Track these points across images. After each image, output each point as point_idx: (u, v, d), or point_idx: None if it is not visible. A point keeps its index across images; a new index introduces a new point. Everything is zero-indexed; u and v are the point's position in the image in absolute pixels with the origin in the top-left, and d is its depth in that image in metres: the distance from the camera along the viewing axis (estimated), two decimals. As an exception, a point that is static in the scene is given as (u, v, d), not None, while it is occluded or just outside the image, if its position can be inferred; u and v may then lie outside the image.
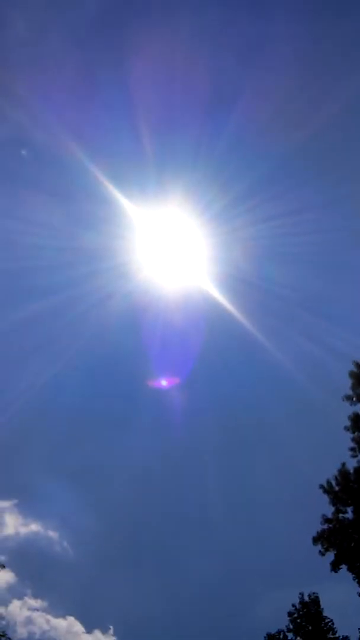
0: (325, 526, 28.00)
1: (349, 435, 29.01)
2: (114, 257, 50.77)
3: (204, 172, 48.72)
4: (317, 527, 28.19)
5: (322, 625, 27.15)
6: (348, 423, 29.03)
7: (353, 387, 29.36)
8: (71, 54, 48.18)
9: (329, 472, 28.87)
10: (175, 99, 48.60)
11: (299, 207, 52.16)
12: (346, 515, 28.09)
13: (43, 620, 43.08)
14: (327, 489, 28.47)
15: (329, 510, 28.46)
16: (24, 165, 50.43)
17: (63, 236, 49.95)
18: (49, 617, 43.27)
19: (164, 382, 51.22)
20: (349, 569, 26.94)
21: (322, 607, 27.71)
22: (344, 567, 27.07)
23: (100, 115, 48.64)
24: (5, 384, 51.91)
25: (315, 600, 28.05)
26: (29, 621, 42.74)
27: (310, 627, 27.18)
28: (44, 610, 43.86)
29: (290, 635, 27.32)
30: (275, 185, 51.68)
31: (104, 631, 43.03)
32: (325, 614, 27.46)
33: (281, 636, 27.30)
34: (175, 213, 48.39)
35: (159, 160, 47.67)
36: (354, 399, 29.37)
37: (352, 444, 28.88)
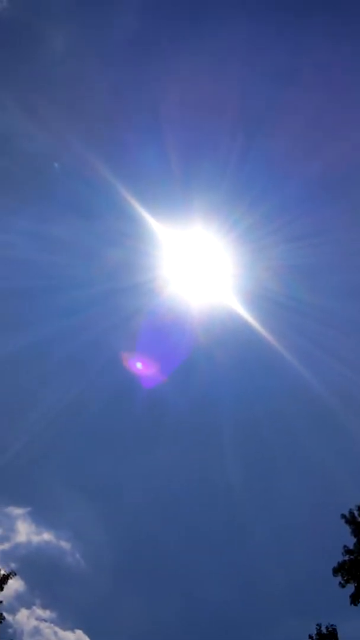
0: (347, 557, 27.55)
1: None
2: (140, 274, 51.11)
3: (230, 192, 49.05)
4: (339, 556, 27.92)
5: (340, 659, 26.59)
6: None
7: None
8: (102, 75, 48.83)
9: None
10: (204, 120, 49.05)
11: (324, 227, 52.26)
12: (369, 547, 27.65)
13: (51, 632, 42.89)
14: (350, 520, 28.04)
15: (351, 541, 28.15)
16: (53, 182, 51.00)
17: (89, 253, 50.53)
18: (57, 629, 43.04)
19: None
20: (370, 603, 26.49)
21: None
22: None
23: (128, 134, 49.18)
24: (30, 399, 52.36)
25: (333, 633, 27.37)
26: (36, 631, 42.55)
27: (327, 660, 26.62)
28: (52, 621, 43.67)
29: (306, 667, 26.76)
30: (300, 206, 51.86)
31: (112, 647, 42.70)
32: (343, 647, 26.88)
33: (297, 668, 26.78)
34: (201, 232, 48.75)
35: (186, 179, 48.26)
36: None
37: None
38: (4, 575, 27.22)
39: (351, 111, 50.23)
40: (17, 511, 50.09)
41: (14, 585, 42.50)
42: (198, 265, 51.42)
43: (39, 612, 44.27)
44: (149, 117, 49.39)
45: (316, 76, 50.42)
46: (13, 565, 43.59)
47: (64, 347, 52.67)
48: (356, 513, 28.16)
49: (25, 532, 49.56)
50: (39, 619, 43.45)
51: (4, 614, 27.29)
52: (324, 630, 27.60)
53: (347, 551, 27.59)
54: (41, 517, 50.43)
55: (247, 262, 51.55)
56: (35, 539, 49.72)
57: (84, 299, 51.92)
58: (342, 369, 50.94)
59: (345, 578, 27.12)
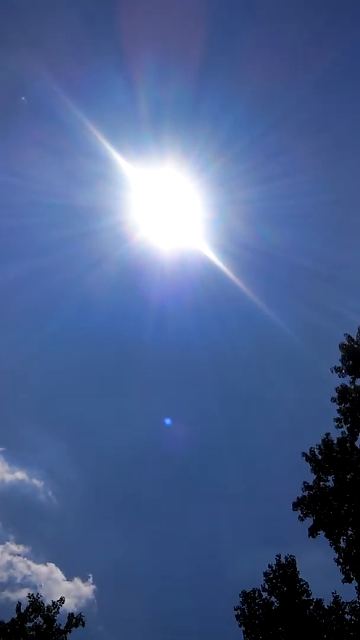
0: (306, 493, 28.67)
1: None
2: (110, 217, 50.19)
3: (202, 130, 47.91)
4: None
5: (297, 587, 27.81)
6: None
7: (342, 360, 29.70)
8: (72, 4, 46.61)
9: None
10: (173, 54, 47.37)
11: (297, 167, 51.53)
12: (327, 484, 28.74)
13: (24, 566, 44.21)
14: (311, 458, 29.07)
15: (311, 477, 29.25)
16: (20, 117, 49.27)
17: (57, 193, 49.27)
18: (30, 562, 44.36)
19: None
20: (327, 535, 27.70)
21: (298, 570, 28.43)
22: (321, 533, 27.94)
23: (97, 69, 47.42)
24: (1, 340, 52.12)
25: (291, 563, 28.68)
26: (10, 565, 43.81)
27: (285, 588, 27.84)
28: (26, 555, 44.96)
29: (265, 594, 28.04)
30: (274, 145, 50.89)
31: (84, 579, 44.27)
32: (300, 577, 28.19)
33: (256, 595, 28.02)
34: (172, 172, 47.78)
35: (157, 117, 46.79)
36: (343, 370, 29.72)
37: (338, 415, 29.41)
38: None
39: (325, 37, 48.66)
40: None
41: (-12, 522, 43.58)
42: (169, 208, 50.70)
43: (13, 547, 45.51)
44: (118, 50, 47.55)
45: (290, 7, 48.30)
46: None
47: (32, 288, 52.20)
48: (316, 451, 29.16)
49: (-1, 471, 50.38)
50: (12, 553, 44.69)
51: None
52: (283, 560, 28.91)
53: (307, 487, 28.71)
54: (14, 456, 51.27)
55: (218, 205, 50.93)
56: (9, 477, 50.68)
57: (52, 241, 51.14)
58: (311, 312, 51.45)
59: (304, 512, 28.31)
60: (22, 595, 26.50)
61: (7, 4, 45.81)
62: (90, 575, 44.18)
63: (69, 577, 43.91)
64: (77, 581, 44.14)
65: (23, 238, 50.98)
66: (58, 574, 44.09)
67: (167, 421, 52.03)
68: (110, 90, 47.46)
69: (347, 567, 26.62)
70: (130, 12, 45.69)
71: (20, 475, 50.81)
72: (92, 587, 44.09)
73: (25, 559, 44.45)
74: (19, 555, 44.56)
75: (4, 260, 52.78)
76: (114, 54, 47.48)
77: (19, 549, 45.47)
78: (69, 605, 30.66)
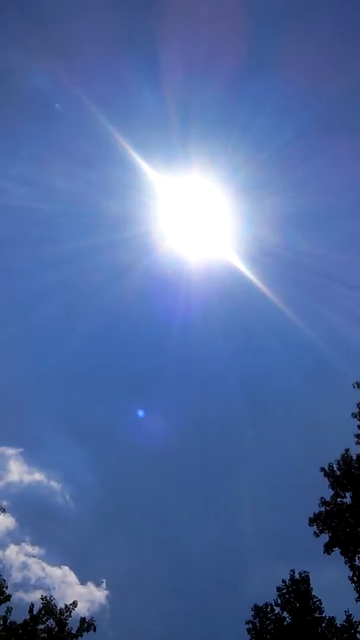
0: (323, 509, 28.43)
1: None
2: (137, 226, 50.31)
3: (229, 139, 47.78)
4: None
5: (310, 603, 27.66)
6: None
7: (365, 376, 29.40)
8: (102, 13, 47.02)
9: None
10: (203, 64, 47.44)
11: (328, 173, 51.14)
12: (344, 500, 28.46)
13: (39, 567, 44.36)
14: (329, 473, 28.81)
15: (329, 494, 28.98)
16: (51, 126, 49.83)
17: (85, 202, 49.59)
18: (45, 564, 44.53)
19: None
20: (342, 553, 27.42)
21: (311, 586, 28.25)
22: (337, 550, 27.67)
23: (124, 78, 47.69)
24: (24, 344, 52.77)
25: (305, 579, 28.53)
26: (24, 566, 44.03)
27: (297, 604, 27.72)
28: (40, 557, 45.14)
29: (277, 609, 27.91)
30: (301, 152, 50.52)
31: (97, 584, 44.33)
32: (313, 593, 28.01)
33: (268, 609, 27.91)
34: (199, 181, 47.72)
35: (185, 126, 46.83)
36: (365, 387, 29.41)
37: (358, 431, 29.13)
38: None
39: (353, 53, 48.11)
40: (9, 451, 51.22)
41: (5, 522, 43.95)
42: (195, 216, 50.74)
43: (28, 548, 45.76)
44: (148, 57, 47.73)
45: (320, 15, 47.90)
46: (5, 504, 45.00)
47: (58, 297, 52.69)
48: (335, 467, 28.90)
49: (17, 471, 50.83)
50: (27, 554, 44.94)
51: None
52: (297, 576, 28.76)
53: (324, 503, 28.47)
54: (33, 457, 51.63)
55: (245, 213, 50.74)
56: (27, 478, 51.04)
57: (78, 250, 51.51)
58: (341, 320, 50.84)
59: (320, 528, 28.06)
60: (36, 596, 26.68)
61: (38, 14, 46.28)
62: (104, 580, 44.28)
63: (83, 581, 44.00)
64: (91, 585, 44.26)
65: (49, 247, 51.44)
66: (72, 577, 44.20)
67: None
68: (139, 98, 47.81)
69: (361, 586, 26.35)
70: (163, 20, 45.94)
71: (38, 476, 51.20)
72: (105, 592, 44.16)
73: (40, 560, 44.68)
74: (34, 556, 44.81)
75: (31, 269, 53.38)
76: (143, 62, 47.77)
77: (34, 550, 45.69)
78: (82, 610, 30.77)
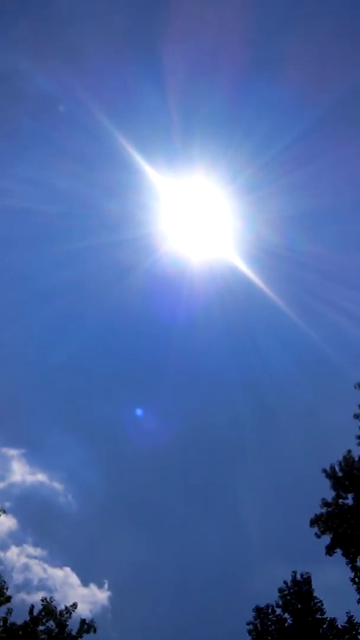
0: (324, 510, 28.30)
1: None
2: (138, 228, 50.34)
3: (231, 140, 47.75)
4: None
5: (312, 604, 27.51)
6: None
7: (367, 376, 29.25)
8: (104, 19, 47.07)
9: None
10: (205, 65, 47.43)
11: (330, 174, 51.07)
12: (346, 501, 28.33)
13: (40, 569, 44.36)
14: (330, 474, 28.65)
15: (331, 495, 28.85)
16: (54, 128, 49.90)
17: (86, 203, 49.63)
18: (46, 566, 44.52)
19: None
20: (344, 554, 27.30)
21: (313, 587, 28.13)
22: (338, 551, 27.55)
23: (128, 81, 47.70)
24: (27, 345, 52.87)
25: (307, 580, 28.39)
26: (26, 568, 44.03)
27: (299, 605, 27.59)
28: (42, 559, 45.14)
29: (278, 610, 27.81)
30: (303, 153, 50.44)
31: (100, 585, 44.31)
32: (315, 594, 27.90)
33: (270, 610, 27.80)
34: (201, 182, 47.70)
35: (186, 128, 46.83)
36: (367, 387, 29.25)
37: (359, 432, 28.98)
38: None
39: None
40: (11, 452, 51.29)
41: (7, 523, 43.98)
42: (197, 218, 50.73)
43: (30, 549, 45.77)
44: (151, 63, 47.85)
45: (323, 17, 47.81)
46: (7, 505, 45.05)
47: (60, 298, 52.75)
48: (337, 468, 28.75)
49: (20, 472, 50.87)
50: (29, 556, 44.94)
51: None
52: (299, 577, 28.63)
53: (325, 504, 28.31)
54: (35, 458, 51.74)
55: (247, 214, 50.70)
56: (29, 479, 51.07)
57: (80, 251, 51.58)
58: (343, 321, 50.77)
59: (321, 529, 27.94)
60: (38, 598, 26.54)
61: (42, 16, 46.36)
62: (106, 581, 44.26)
63: (85, 583, 44.03)
64: (93, 587, 44.26)
65: (52, 248, 51.51)
66: (74, 578, 44.22)
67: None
68: (142, 100, 47.83)
69: (363, 588, 26.22)
70: (166, 22, 45.95)
71: (40, 477, 51.24)
72: (108, 593, 44.14)
73: (42, 562, 44.66)
74: (35, 558, 44.80)
75: (33, 270, 53.51)
76: (146, 64, 47.83)
77: (36, 551, 45.72)
78: (84, 611, 30.71)
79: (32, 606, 25.13)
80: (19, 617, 24.81)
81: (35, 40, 45.28)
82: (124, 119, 46.41)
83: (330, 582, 30.93)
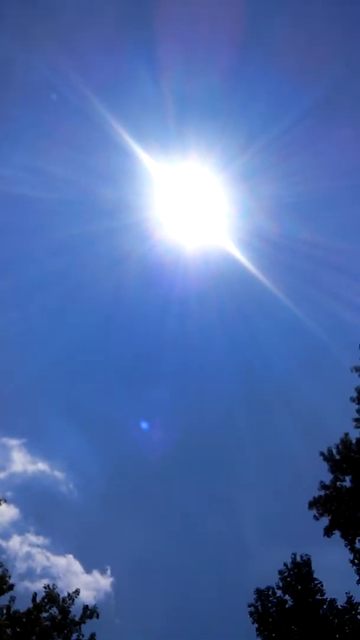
0: (322, 492, 28.59)
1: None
2: (133, 214, 50.16)
3: (227, 125, 47.50)
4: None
5: (312, 586, 27.82)
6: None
7: (363, 360, 29.41)
8: (98, 4, 46.64)
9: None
10: (199, 47, 46.99)
11: (325, 160, 50.85)
12: (344, 484, 28.61)
13: (43, 557, 44.72)
14: (328, 457, 28.92)
15: (329, 477, 29.13)
16: (49, 115, 49.56)
17: (81, 190, 49.43)
18: (49, 554, 44.86)
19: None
20: (342, 536, 27.62)
21: (313, 569, 28.45)
22: (337, 533, 27.86)
23: (122, 66, 47.34)
24: (26, 334, 52.92)
25: (307, 562, 28.70)
26: (28, 556, 44.39)
27: (299, 587, 27.90)
28: (45, 547, 45.49)
29: (279, 592, 28.14)
30: (299, 138, 50.13)
31: (102, 572, 44.71)
32: (315, 576, 28.20)
33: (270, 592, 28.13)
34: (196, 168, 47.48)
35: (182, 112, 46.54)
36: (364, 371, 29.43)
37: (356, 415, 29.21)
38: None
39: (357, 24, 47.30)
40: (12, 442, 51.46)
41: (9, 513, 44.29)
42: (192, 204, 50.58)
43: (32, 538, 46.09)
44: (144, 43, 47.32)
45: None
46: (9, 494, 45.35)
47: (56, 286, 52.73)
48: (334, 451, 29.01)
49: (21, 462, 51.08)
50: (32, 545, 45.28)
51: (-2, 541, 28.46)
52: (298, 559, 28.96)
53: (323, 486, 28.61)
54: (36, 448, 51.90)
55: (243, 201, 50.52)
56: (31, 468, 51.30)
57: (75, 238, 51.44)
58: (339, 308, 50.87)
59: (320, 511, 28.25)
60: (41, 586, 26.78)
61: (34, 2, 45.85)
62: (109, 568, 44.65)
63: (88, 570, 44.41)
64: (96, 574, 44.66)
65: (47, 235, 51.40)
66: (77, 566, 44.61)
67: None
68: (135, 84, 47.46)
69: (362, 568, 26.56)
70: (160, 7, 45.45)
71: (41, 466, 51.47)
72: (111, 579, 44.54)
73: (45, 550, 45.01)
74: (38, 546, 45.15)
75: (27, 258, 53.39)
76: (139, 48, 47.38)
77: (39, 540, 46.05)
78: (88, 598, 31.04)
79: (35, 593, 25.47)
80: (23, 605, 25.16)
81: (30, 26, 44.78)
82: (117, 105, 46.03)
83: (330, 564, 31.22)
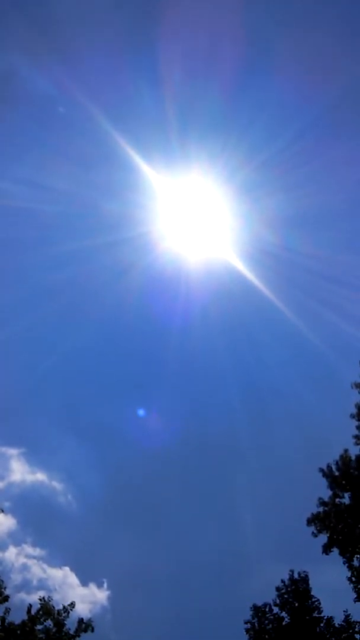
0: (321, 509, 28.41)
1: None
2: (136, 227, 50.36)
3: (229, 139, 47.77)
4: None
5: (309, 603, 27.68)
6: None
7: (363, 376, 29.36)
8: (101, 19, 47.04)
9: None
10: (201, 61, 47.34)
11: (327, 174, 51.03)
12: (343, 501, 28.45)
13: (39, 569, 44.37)
14: (327, 473, 28.77)
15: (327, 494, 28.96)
16: (53, 129, 49.92)
17: (84, 203, 49.66)
18: (45, 565, 44.52)
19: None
20: (341, 553, 27.43)
21: (310, 586, 28.29)
22: (335, 550, 27.66)
23: (124, 80, 47.68)
24: (26, 345, 53.01)
25: (304, 579, 28.57)
26: (24, 568, 44.03)
27: (296, 604, 27.75)
28: (41, 558, 45.15)
29: (276, 609, 27.96)
30: (301, 152, 50.33)
31: (99, 585, 44.37)
32: (312, 593, 28.04)
33: (267, 609, 27.95)
34: (198, 181, 47.68)
35: (183, 127, 46.81)
36: (363, 387, 29.36)
37: (356, 432, 29.10)
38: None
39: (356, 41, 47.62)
40: (11, 452, 51.32)
41: (6, 523, 44.04)
42: (195, 217, 50.76)
43: (29, 549, 45.77)
44: (147, 62, 47.75)
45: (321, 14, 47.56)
46: (7, 504, 45.18)
47: (60, 298, 52.85)
48: (334, 467, 28.87)
49: (19, 471, 50.91)
50: (28, 556, 44.94)
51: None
52: (296, 576, 28.80)
53: (322, 503, 28.43)
54: (35, 458, 51.76)
55: (245, 214, 50.70)
56: (29, 478, 51.11)
57: (78, 251, 51.63)
58: (340, 321, 50.83)
59: (318, 528, 28.05)
60: (37, 598, 26.56)
61: (40, 17, 46.31)
62: (105, 581, 44.32)
63: (84, 583, 44.07)
64: (93, 587, 44.32)
65: (50, 248, 51.59)
66: (73, 579, 44.25)
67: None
68: (138, 99, 47.82)
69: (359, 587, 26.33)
70: (162, 21, 45.86)
71: (40, 476, 51.29)
72: (107, 593, 44.20)
73: (41, 562, 44.66)
74: (34, 558, 44.82)
75: (30, 271, 53.62)
76: (142, 61, 47.76)
77: (35, 551, 45.73)
78: (84, 611, 30.73)
79: (30, 605, 25.22)
80: (18, 617, 24.94)
81: (32, 41, 45.23)
82: (120, 118, 46.43)
83: (328, 581, 31.03)
